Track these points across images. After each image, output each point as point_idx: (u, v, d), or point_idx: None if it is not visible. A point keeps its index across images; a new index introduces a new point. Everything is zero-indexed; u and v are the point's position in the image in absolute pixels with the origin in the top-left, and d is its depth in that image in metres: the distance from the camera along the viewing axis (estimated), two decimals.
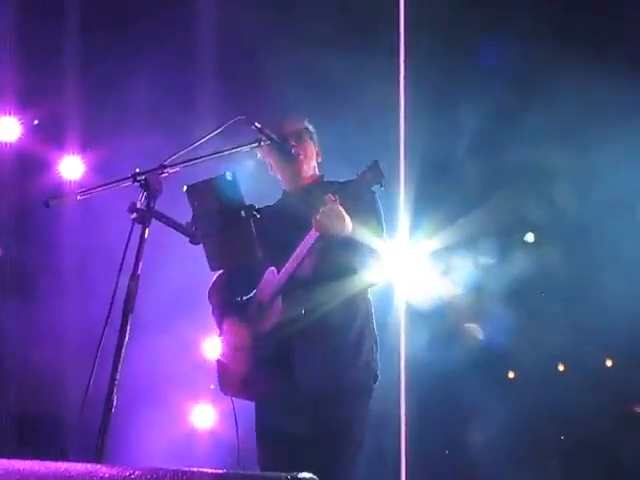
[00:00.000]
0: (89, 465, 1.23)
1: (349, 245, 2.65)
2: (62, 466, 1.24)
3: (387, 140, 4.46)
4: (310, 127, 2.93)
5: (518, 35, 4.40)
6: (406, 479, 3.77)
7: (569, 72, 4.30)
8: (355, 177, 2.71)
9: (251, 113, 2.61)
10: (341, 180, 2.87)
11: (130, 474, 1.15)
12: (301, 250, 2.66)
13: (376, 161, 2.65)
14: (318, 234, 2.61)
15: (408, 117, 4.41)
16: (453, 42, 4.56)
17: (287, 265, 2.69)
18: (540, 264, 4.91)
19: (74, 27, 4.78)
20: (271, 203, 2.96)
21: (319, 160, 2.97)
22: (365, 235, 2.66)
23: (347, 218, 2.60)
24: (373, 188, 2.69)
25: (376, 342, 2.82)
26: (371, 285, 2.80)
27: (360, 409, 2.73)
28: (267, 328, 2.70)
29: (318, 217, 2.59)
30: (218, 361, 2.86)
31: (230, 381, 2.80)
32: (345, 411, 2.69)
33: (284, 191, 2.97)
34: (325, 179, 2.96)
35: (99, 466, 1.20)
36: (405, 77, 4.38)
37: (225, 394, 2.84)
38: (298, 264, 2.66)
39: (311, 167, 2.92)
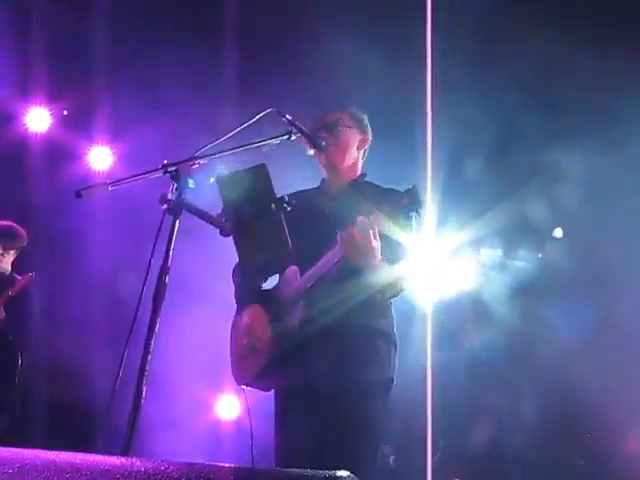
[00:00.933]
0: (123, 458, 1.23)
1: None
2: (97, 458, 1.24)
3: (414, 136, 4.43)
4: (351, 113, 2.87)
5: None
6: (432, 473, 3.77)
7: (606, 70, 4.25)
8: (393, 192, 2.65)
9: (279, 105, 2.59)
10: (383, 186, 2.82)
11: (165, 469, 1.14)
12: (327, 260, 2.61)
13: (415, 186, 2.54)
14: (342, 254, 2.56)
15: (435, 110, 4.38)
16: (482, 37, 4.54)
17: (312, 271, 2.65)
18: (568, 259, 4.87)
19: (103, 20, 4.80)
20: (309, 187, 2.94)
21: (364, 147, 2.90)
22: (394, 251, 2.61)
23: (376, 248, 2.51)
24: (410, 214, 2.59)
25: (395, 345, 2.78)
26: (395, 290, 2.74)
27: (375, 408, 2.69)
28: (286, 329, 2.68)
29: (344, 239, 2.50)
30: (233, 351, 2.85)
31: (244, 373, 2.80)
32: (360, 409, 2.66)
33: (323, 179, 2.94)
34: (366, 179, 2.90)
35: (133, 459, 1.20)
36: (432, 69, 4.35)
37: (238, 384, 2.83)
38: (324, 273, 2.63)
39: (350, 156, 2.86)
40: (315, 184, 2.96)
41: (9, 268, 4.21)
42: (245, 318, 2.77)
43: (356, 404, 2.64)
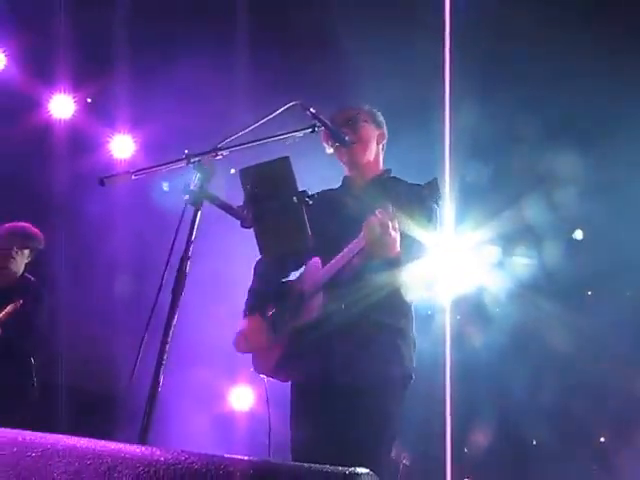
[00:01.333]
0: (144, 447, 1.24)
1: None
2: (118, 446, 1.25)
3: (432, 134, 4.42)
4: (367, 109, 2.91)
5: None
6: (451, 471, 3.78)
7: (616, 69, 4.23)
8: (416, 184, 2.70)
9: (303, 98, 2.58)
10: (408, 180, 2.85)
11: (186, 459, 1.15)
12: (350, 250, 2.63)
13: (435, 178, 2.61)
14: (363, 244, 2.58)
15: (453, 110, 4.37)
16: (499, 39, 4.52)
17: (334, 261, 2.67)
18: (586, 261, 4.85)
19: (128, 8, 4.82)
20: (331, 187, 2.95)
21: (382, 142, 2.93)
22: (415, 241, 2.63)
23: (395, 240, 2.55)
24: (431, 205, 2.66)
25: (414, 344, 2.80)
26: (416, 293, 2.76)
27: (393, 404, 2.71)
28: (306, 320, 2.70)
29: (365, 227, 2.55)
30: (254, 343, 2.87)
31: (264, 363, 2.82)
32: (378, 405, 2.68)
33: (345, 177, 2.94)
34: (391, 174, 2.92)
35: (154, 449, 1.22)
36: (450, 70, 4.34)
37: (258, 373, 2.86)
38: (346, 262, 2.64)
39: (371, 151, 2.88)
40: (337, 178, 2.97)
41: (21, 269, 4.06)
42: (244, 325, 2.82)
43: (375, 400, 2.66)
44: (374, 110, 2.93)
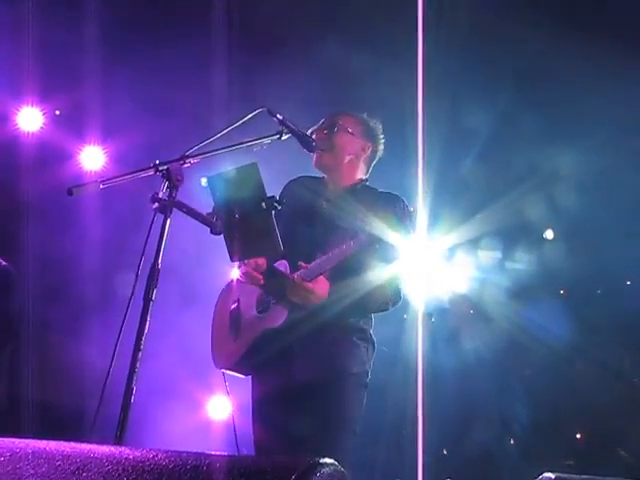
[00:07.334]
0: (113, 447, 1.26)
1: (375, 253, 2.68)
2: (87, 447, 1.27)
3: (405, 137, 4.45)
4: (358, 119, 2.90)
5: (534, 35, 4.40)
6: (423, 473, 3.80)
7: (584, 70, 4.29)
8: (389, 196, 2.79)
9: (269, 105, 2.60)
10: (379, 190, 2.91)
11: (154, 456, 1.17)
12: (332, 258, 2.66)
13: (415, 208, 2.73)
14: (354, 249, 2.61)
15: (426, 113, 4.41)
16: (470, 43, 4.57)
17: (312, 266, 2.70)
18: (558, 261, 4.89)
19: (95, 19, 4.80)
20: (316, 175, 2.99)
21: (364, 155, 2.92)
22: (388, 245, 2.68)
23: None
24: (404, 220, 2.72)
25: (373, 344, 2.85)
26: (393, 295, 2.82)
27: (351, 401, 2.77)
28: (279, 323, 2.72)
29: (363, 238, 2.62)
30: (214, 334, 2.89)
31: (226, 358, 2.84)
32: (336, 401, 2.74)
33: (323, 177, 2.97)
34: (366, 183, 2.94)
35: (123, 448, 1.23)
36: (423, 74, 4.37)
37: (218, 368, 2.88)
38: (327, 268, 2.68)
39: (342, 160, 2.88)
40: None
41: None
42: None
43: (334, 396, 2.72)
44: (370, 122, 2.91)
